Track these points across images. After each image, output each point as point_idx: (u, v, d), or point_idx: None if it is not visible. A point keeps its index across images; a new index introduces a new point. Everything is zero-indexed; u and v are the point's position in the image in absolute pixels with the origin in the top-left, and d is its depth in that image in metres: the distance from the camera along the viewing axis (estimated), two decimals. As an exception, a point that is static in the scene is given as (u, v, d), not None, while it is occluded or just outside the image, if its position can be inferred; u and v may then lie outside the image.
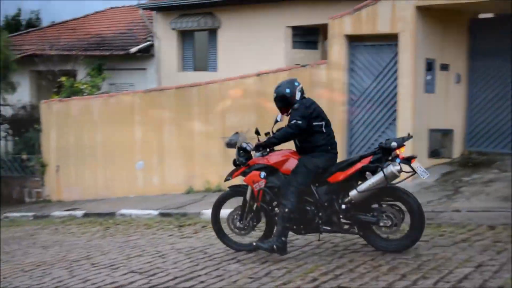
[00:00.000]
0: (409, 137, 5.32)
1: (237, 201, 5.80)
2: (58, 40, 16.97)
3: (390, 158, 5.12)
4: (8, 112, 15.48)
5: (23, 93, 15.54)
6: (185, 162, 11.16)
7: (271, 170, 5.50)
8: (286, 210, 5.25)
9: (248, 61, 13.05)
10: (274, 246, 5.23)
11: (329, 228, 5.40)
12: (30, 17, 28.19)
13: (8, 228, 9.71)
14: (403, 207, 5.19)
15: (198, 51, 15.13)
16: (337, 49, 9.41)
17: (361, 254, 5.29)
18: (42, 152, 13.04)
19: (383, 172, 5.04)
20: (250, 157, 5.67)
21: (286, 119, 5.59)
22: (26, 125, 14.72)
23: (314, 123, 5.35)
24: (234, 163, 5.72)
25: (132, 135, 11.80)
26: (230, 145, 9.12)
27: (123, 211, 9.65)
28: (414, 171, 5.10)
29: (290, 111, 5.49)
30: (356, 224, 5.34)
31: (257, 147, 5.54)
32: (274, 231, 5.45)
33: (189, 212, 8.89)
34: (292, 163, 5.45)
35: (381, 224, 5.18)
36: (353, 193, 5.19)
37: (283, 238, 5.28)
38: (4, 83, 13.60)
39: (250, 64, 12.64)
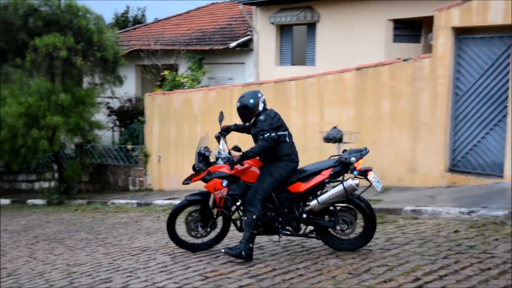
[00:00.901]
0: (367, 151, 5.57)
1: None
2: (162, 35, 17.76)
3: (346, 171, 5.48)
4: (115, 104, 16.44)
5: (129, 86, 16.41)
6: (281, 155, 11.23)
7: (232, 178, 5.72)
8: (254, 217, 5.48)
9: (347, 55, 12.89)
10: (243, 253, 5.46)
11: (288, 232, 5.74)
12: (137, 14, 29.73)
13: (114, 214, 10.32)
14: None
15: (296, 45, 15.15)
16: (443, 42, 9.01)
17: (467, 256, 5.06)
18: (145, 142, 13.71)
19: (343, 186, 5.42)
20: (209, 163, 5.88)
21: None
22: (131, 117, 15.58)
23: (279, 133, 5.58)
24: (193, 168, 5.89)
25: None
26: (328, 139, 9.12)
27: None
28: (370, 183, 5.47)
29: (252, 121, 5.70)
30: (314, 228, 5.68)
31: (232, 164, 5.63)
32: (242, 238, 5.58)
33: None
34: (254, 172, 5.71)
35: (338, 228, 5.60)
36: (314, 203, 5.53)
37: (250, 245, 5.50)
38: (113, 77, 14.38)
39: (348, 58, 12.49)
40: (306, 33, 14.76)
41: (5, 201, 15.07)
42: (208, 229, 6.09)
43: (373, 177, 5.47)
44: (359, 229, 5.71)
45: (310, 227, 5.75)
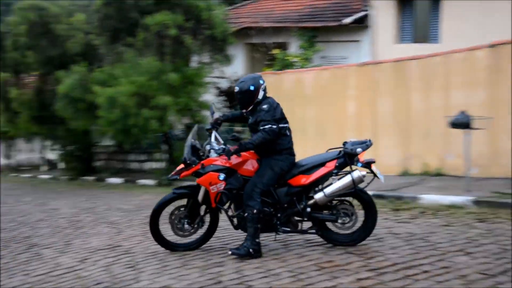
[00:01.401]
0: (371, 143, 5.61)
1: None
2: (272, 12, 17.85)
3: (352, 162, 5.52)
4: (224, 84, 16.84)
5: (237, 65, 16.70)
6: (400, 141, 10.95)
7: (228, 172, 5.59)
8: (255, 211, 5.43)
9: (476, 32, 12.21)
10: (250, 250, 5.45)
11: (288, 229, 5.72)
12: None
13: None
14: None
15: (418, 21, 14.59)
16: None
17: None
18: (254, 124, 13.91)
19: (352, 177, 5.49)
20: (199, 156, 5.75)
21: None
22: (239, 98, 15.80)
23: (281, 125, 5.53)
24: (184, 161, 5.71)
25: (344, 110, 11.93)
26: (455, 125, 8.71)
27: (333, 189, 9.83)
28: (375, 175, 5.50)
29: (250, 108, 5.62)
30: (313, 224, 5.69)
31: (228, 154, 5.47)
32: (247, 235, 5.53)
33: (405, 195, 8.71)
34: (251, 164, 5.64)
35: (340, 221, 5.68)
36: (319, 196, 5.57)
37: (256, 240, 5.48)
38: (221, 56, 14.72)
39: (479, 34, 11.81)
40: (429, 7, 14.15)
41: (118, 180, 16.11)
42: (195, 227, 5.98)
43: (375, 169, 5.52)
44: (358, 223, 5.76)
45: (306, 224, 5.76)
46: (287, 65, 14.61)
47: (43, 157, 25.11)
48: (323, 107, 12.33)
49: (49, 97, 16.83)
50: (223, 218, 6.10)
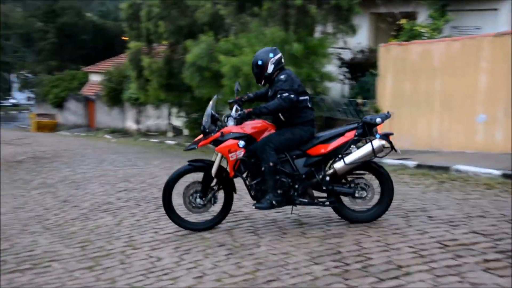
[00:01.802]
0: (390, 115, 5.69)
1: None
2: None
3: (371, 133, 5.56)
4: (347, 55, 16.59)
5: (362, 36, 16.34)
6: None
7: (248, 140, 5.61)
8: (271, 164, 5.47)
9: None
10: (274, 202, 5.55)
11: (305, 200, 5.70)
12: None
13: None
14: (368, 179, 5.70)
15: None
16: None
17: None
18: (377, 97, 13.61)
19: (372, 146, 5.50)
20: (217, 126, 5.76)
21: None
22: (363, 69, 15.56)
23: (301, 98, 5.60)
24: (203, 131, 5.72)
25: (475, 84, 11.29)
26: None
27: (459, 166, 9.42)
28: (392, 147, 5.58)
29: (264, 82, 5.78)
30: (332, 197, 5.68)
31: (249, 114, 5.58)
32: (267, 189, 5.55)
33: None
34: (270, 133, 5.66)
35: (357, 195, 5.68)
36: (339, 164, 5.57)
37: (278, 191, 5.55)
38: (346, 26, 14.48)
39: None
40: None
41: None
42: (206, 203, 5.88)
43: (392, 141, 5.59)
44: (374, 200, 5.75)
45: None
46: (414, 36, 14.03)
47: (170, 124, 26.45)
48: (451, 81, 11.74)
49: (178, 66, 17.60)
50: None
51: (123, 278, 4.73)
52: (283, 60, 5.85)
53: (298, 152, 5.69)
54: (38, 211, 7.92)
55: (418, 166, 10.17)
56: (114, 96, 30.15)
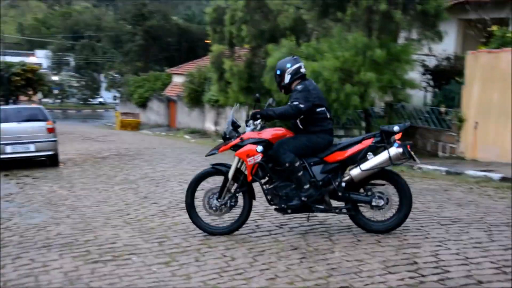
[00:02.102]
0: (408, 125, 5.79)
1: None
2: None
3: (389, 142, 5.60)
4: (431, 62, 16.15)
5: (448, 43, 15.86)
6: None
7: (266, 145, 5.75)
8: (287, 164, 5.61)
9: None
10: (303, 198, 5.65)
11: (321, 207, 5.78)
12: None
13: (422, 179, 10.31)
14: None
15: None
16: None
17: None
18: (462, 106, 13.17)
19: (389, 153, 5.52)
20: (238, 132, 5.95)
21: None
22: (447, 77, 15.10)
23: (317, 110, 5.71)
24: (224, 136, 5.97)
25: None
26: None
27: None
28: (410, 156, 5.55)
29: (283, 91, 5.99)
30: (348, 204, 5.73)
31: (254, 115, 5.75)
32: (294, 188, 5.68)
33: None
34: None
35: (374, 203, 5.68)
36: (355, 171, 5.61)
37: (305, 187, 5.63)
38: (432, 32, 14.10)
39: None
40: None
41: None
42: (223, 207, 6.02)
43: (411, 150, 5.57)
44: (391, 210, 5.74)
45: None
46: (505, 43, 13.45)
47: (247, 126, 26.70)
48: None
49: (258, 69, 17.80)
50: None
51: (198, 275, 4.84)
52: (302, 70, 5.95)
53: (315, 159, 5.78)
54: (120, 206, 8.26)
55: (504, 179, 9.75)
56: (195, 98, 30.88)
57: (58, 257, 5.51)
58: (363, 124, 15.54)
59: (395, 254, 5.08)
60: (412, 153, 5.59)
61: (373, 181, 5.81)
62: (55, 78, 70.64)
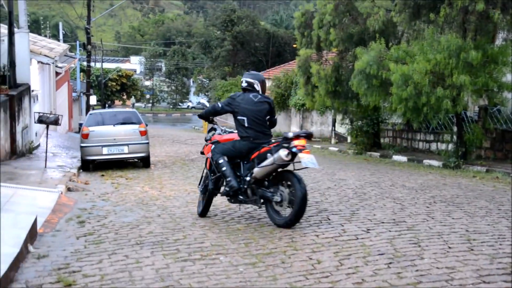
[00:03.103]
0: (308, 132, 6.66)
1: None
2: None
3: (288, 146, 6.46)
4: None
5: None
6: None
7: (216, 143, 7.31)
8: (214, 161, 7.04)
9: None
10: (227, 188, 6.95)
11: (241, 197, 6.93)
12: None
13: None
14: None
15: None
16: None
17: None
18: None
19: (273, 155, 6.47)
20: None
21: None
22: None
23: (239, 117, 6.96)
24: (205, 140, 7.70)
25: None
26: None
27: None
28: (292, 159, 6.41)
29: None
30: (255, 197, 6.79)
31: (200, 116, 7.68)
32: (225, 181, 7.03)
33: None
34: (229, 140, 7.20)
35: (274, 199, 6.59)
36: (256, 169, 6.66)
37: (227, 179, 6.87)
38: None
39: None
40: None
41: (402, 158, 16.20)
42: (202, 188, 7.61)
43: (308, 157, 6.31)
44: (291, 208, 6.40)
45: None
46: None
47: (333, 130, 26.54)
48: None
49: (346, 73, 17.66)
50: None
51: (284, 277, 4.87)
52: (244, 85, 7.11)
53: (247, 159, 6.94)
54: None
55: None
56: (281, 101, 31.07)
57: (150, 254, 5.73)
58: (455, 129, 14.98)
59: (490, 263, 4.86)
60: (306, 158, 6.26)
61: (283, 182, 6.58)
62: (147, 83, 73.60)
